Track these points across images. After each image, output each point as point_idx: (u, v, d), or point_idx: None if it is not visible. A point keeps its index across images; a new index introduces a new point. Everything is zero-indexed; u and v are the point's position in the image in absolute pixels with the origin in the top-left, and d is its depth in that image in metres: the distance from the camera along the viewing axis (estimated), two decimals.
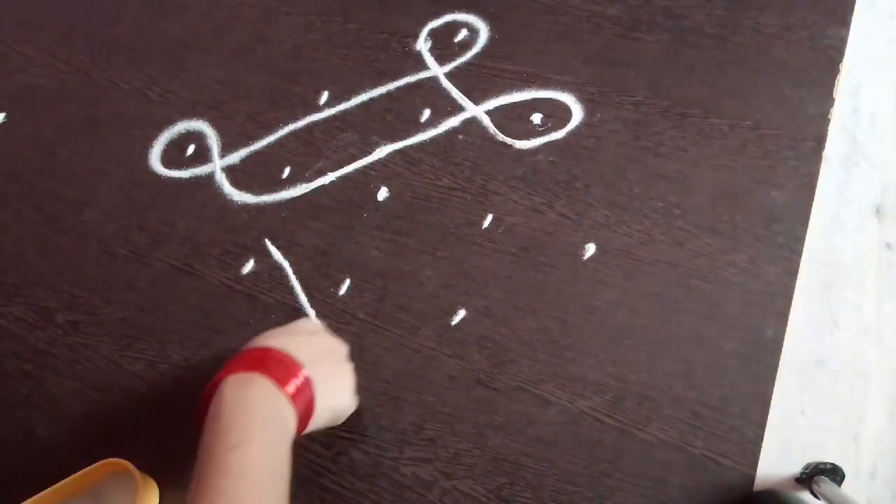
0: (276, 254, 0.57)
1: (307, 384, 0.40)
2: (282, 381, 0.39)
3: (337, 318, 0.54)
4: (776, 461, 0.47)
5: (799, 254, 0.52)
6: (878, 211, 0.54)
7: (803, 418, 0.48)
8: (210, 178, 0.61)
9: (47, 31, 0.71)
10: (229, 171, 0.61)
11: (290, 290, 0.56)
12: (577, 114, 0.59)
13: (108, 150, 0.64)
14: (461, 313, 0.53)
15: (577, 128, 0.58)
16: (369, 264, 0.56)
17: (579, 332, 0.51)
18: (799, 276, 0.51)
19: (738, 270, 0.52)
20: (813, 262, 0.52)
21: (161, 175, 0.62)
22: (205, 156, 0.62)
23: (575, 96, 0.59)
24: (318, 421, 0.42)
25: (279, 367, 0.40)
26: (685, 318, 0.51)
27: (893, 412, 0.49)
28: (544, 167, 0.57)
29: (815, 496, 0.45)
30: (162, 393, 0.54)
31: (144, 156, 0.63)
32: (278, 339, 0.42)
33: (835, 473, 0.45)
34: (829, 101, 0.56)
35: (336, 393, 0.44)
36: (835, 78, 0.57)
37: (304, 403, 0.40)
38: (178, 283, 0.57)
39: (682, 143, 0.56)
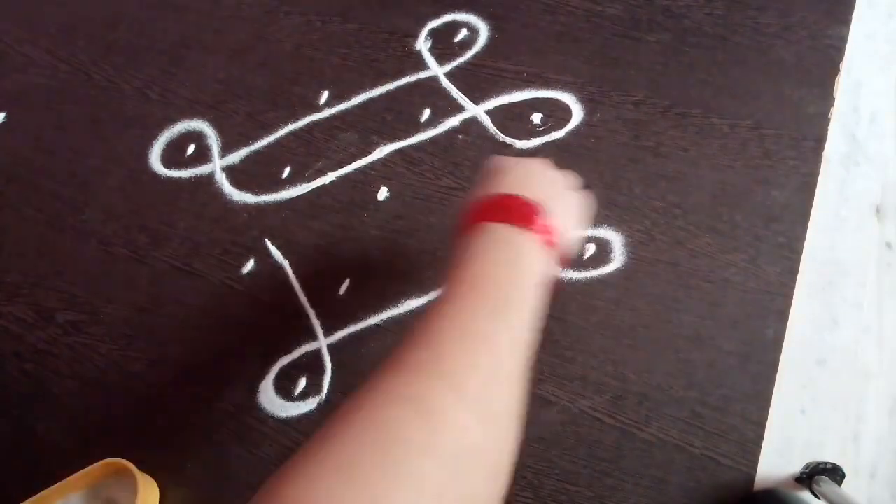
0: (276, 254, 0.57)
1: (556, 233, 0.36)
2: (546, 240, 0.35)
3: (337, 318, 0.54)
4: (776, 461, 0.47)
5: (799, 253, 0.52)
6: (878, 210, 0.54)
7: (803, 418, 0.48)
8: (210, 177, 0.61)
9: (47, 31, 0.71)
10: (229, 170, 0.61)
11: (290, 289, 0.56)
12: (577, 113, 0.58)
13: (108, 149, 0.64)
14: None
15: (578, 127, 0.58)
16: (369, 264, 0.56)
17: (579, 332, 0.51)
18: (799, 275, 0.51)
19: (739, 270, 0.52)
20: (813, 261, 0.52)
21: (161, 175, 0.62)
22: (205, 155, 0.62)
23: (575, 96, 0.59)
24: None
25: (541, 223, 0.35)
26: (685, 317, 0.51)
27: (894, 411, 0.49)
28: None
29: (816, 496, 0.45)
30: (162, 393, 0.54)
31: (144, 155, 0.63)
32: (539, 189, 0.37)
33: (835, 473, 0.45)
34: (829, 100, 0.56)
35: (570, 225, 0.39)
36: (835, 77, 0.57)
37: (560, 253, 0.37)
38: (178, 283, 0.57)
39: (683, 142, 0.56)
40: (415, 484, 0.24)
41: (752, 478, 0.47)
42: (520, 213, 0.35)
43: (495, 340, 0.30)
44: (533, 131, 0.58)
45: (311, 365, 0.53)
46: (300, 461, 0.24)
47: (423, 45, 0.64)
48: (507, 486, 0.28)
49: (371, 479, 0.23)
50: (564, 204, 0.38)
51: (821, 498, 0.45)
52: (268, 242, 0.58)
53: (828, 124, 0.55)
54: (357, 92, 0.62)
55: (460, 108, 0.60)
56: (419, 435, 0.25)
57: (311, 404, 0.52)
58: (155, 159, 0.63)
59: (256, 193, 0.60)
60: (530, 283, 0.33)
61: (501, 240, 0.34)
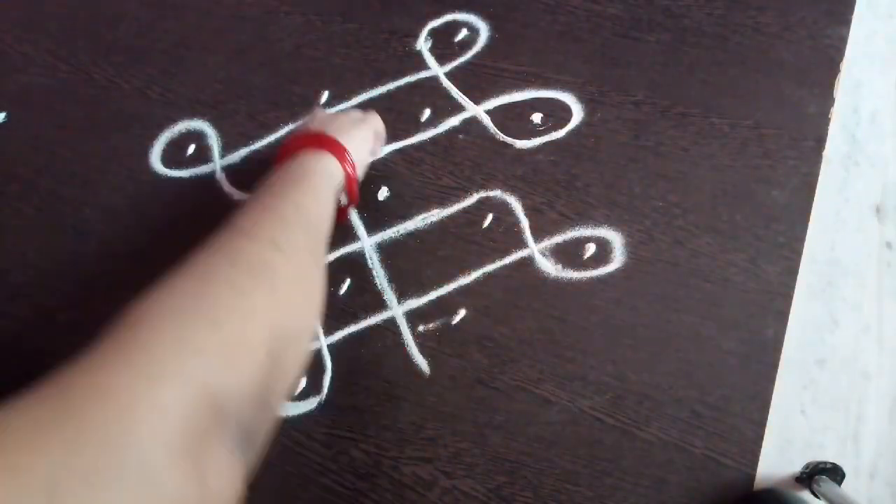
0: None
1: (341, 147, 0.48)
2: (330, 150, 0.47)
3: (337, 318, 0.54)
4: (776, 460, 0.47)
5: (799, 253, 0.52)
6: (878, 210, 0.54)
7: (803, 418, 0.48)
8: (210, 177, 0.61)
9: (47, 31, 0.71)
10: (230, 170, 0.61)
11: None
12: (578, 113, 0.59)
13: (109, 149, 0.64)
14: (461, 313, 0.53)
15: (578, 127, 0.58)
16: (369, 264, 0.56)
17: (579, 332, 0.51)
18: (799, 275, 0.51)
19: (739, 270, 0.52)
20: (813, 261, 0.52)
21: (161, 174, 0.62)
22: (205, 155, 0.62)
23: (575, 96, 0.59)
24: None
25: (323, 142, 0.47)
26: (685, 317, 0.51)
27: (894, 411, 0.49)
28: (544, 167, 0.57)
29: (816, 496, 0.45)
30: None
31: (145, 155, 0.63)
32: (313, 126, 0.50)
33: (835, 473, 0.46)
34: (829, 100, 0.56)
35: (358, 147, 0.51)
36: (835, 77, 0.57)
37: (352, 170, 0.49)
38: None
39: (683, 142, 0.56)
40: (226, 287, 0.32)
41: (752, 478, 0.47)
42: (312, 140, 0.47)
43: (280, 209, 0.40)
44: (533, 131, 0.58)
45: (312, 364, 0.53)
46: (142, 295, 0.31)
47: (423, 44, 0.64)
48: (317, 306, 0.38)
49: (192, 288, 0.32)
50: (354, 132, 0.50)
51: (821, 498, 0.45)
52: None
53: (828, 124, 0.55)
54: (357, 92, 0.63)
55: (460, 108, 0.60)
56: (223, 264, 0.34)
57: (311, 404, 0.52)
58: (155, 159, 0.63)
59: None
60: (311, 176, 0.44)
61: (299, 157, 0.46)
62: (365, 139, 0.52)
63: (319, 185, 0.44)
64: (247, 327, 0.30)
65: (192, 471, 0.24)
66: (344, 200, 0.52)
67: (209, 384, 0.26)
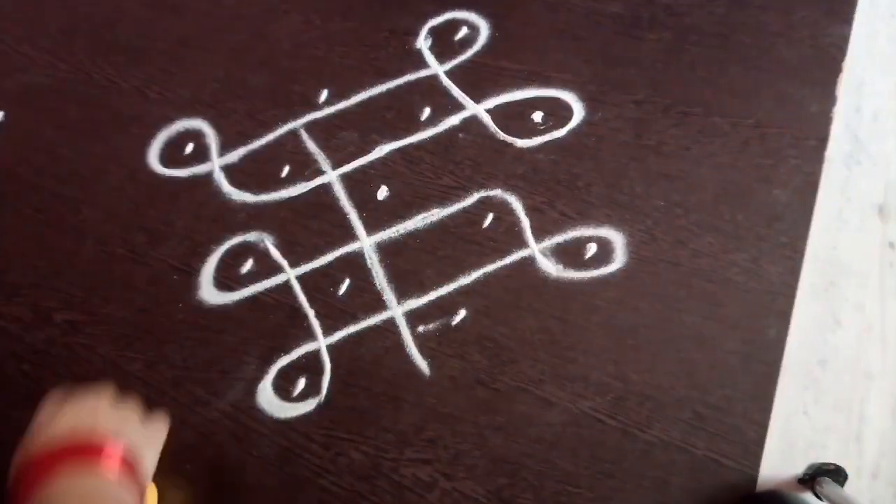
0: (276, 253, 0.57)
1: (132, 459, 0.36)
2: (124, 467, 0.35)
3: (336, 319, 0.54)
4: (779, 462, 0.47)
5: (801, 253, 0.51)
6: (880, 210, 0.53)
7: (806, 418, 0.48)
8: (209, 176, 0.61)
9: (47, 31, 0.71)
10: (228, 169, 0.61)
11: (290, 289, 0.55)
12: (579, 112, 0.58)
13: (108, 149, 0.64)
14: (462, 313, 0.53)
15: (579, 126, 0.58)
16: (369, 264, 0.55)
17: (580, 332, 0.51)
18: (801, 275, 0.51)
19: (741, 270, 0.51)
20: (815, 261, 0.51)
21: (160, 174, 0.62)
22: (203, 154, 0.62)
23: (576, 94, 0.59)
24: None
25: (113, 451, 0.35)
26: (687, 317, 0.50)
27: None
28: (545, 166, 0.57)
29: (818, 497, 0.45)
30: (160, 393, 0.53)
31: (143, 155, 0.63)
32: (78, 419, 0.37)
33: (838, 475, 0.45)
34: (831, 99, 0.56)
35: (150, 454, 0.40)
36: (837, 76, 0.56)
37: (139, 477, 0.37)
38: (176, 283, 0.57)
39: (684, 141, 0.56)
40: None
41: (754, 479, 0.46)
42: (88, 448, 0.35)
43: None
44: (534, 130, 0.58)
45: (311, 365, 0.53)
46: None
47: (423, 43, 0.63)
48: None
49: None
50: (131, 428, 0.38)
51: (823, 499, 0.44)
52: (267, 242, 0.57)
53: (830, 123, 0.55)
54: (357, 90, 0.62)
55: (461, 107, 0.60)
56: None
57: (310, 405, 0.52)
58: (154, 158, 0.62)
59: (255, 193, 0.59)
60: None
61: (76, 488, 0.33)
62: (147, 435, 0.40)
63: None
64: None
65: None
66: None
67: None
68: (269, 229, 0.58)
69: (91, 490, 0.33)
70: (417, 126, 0.60)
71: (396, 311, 0.54)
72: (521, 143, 0.58)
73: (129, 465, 0.35)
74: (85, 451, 0.35)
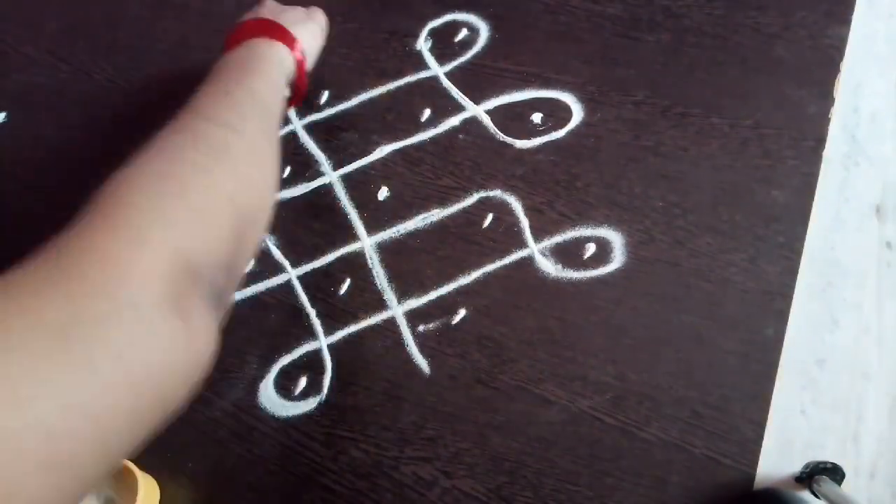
0: (277, 253, 0.57)
1: (293, 39, 0.51)
2: (283, 40, 0.49)
3: (337, 318, 0.54)
4: (776, 460, 0.47)
5: (799, 253, 0.52)
6: (878, 210, 0.54)
7: (803, 418, 0.48)
8: None
9: (47, 31, 0.71)
10: None
11: (291, 289, 0.56)
12: (578, 113, 0.59)
13: (108, 149, 0.64)
14: (461, 312, 0.53)
15: (578, 127, 0.58)
16: (369, 264, 0.56)
17: (579, 332, 0.51)
18: (799, 275, 0.51)
19: (739, 270, 0.52)
20: (813, 261, 0.52)
21: None
22: None
23: (575, 96, 0.59)
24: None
25: (277, 31, 0.50)
26: (685, 317, 0.51)
27: (894, 411, 0.49)
28: (545, 167, 0.57)
29: (816, 495, 0.45)
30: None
31: None
32: (264, 14, 0.52)
33: (835, 473, 0.46)
34: (829, 100, 0.56)
35: (310, 43, 0.54)
36: (835, 77, 0.57)
37: (300, 61, 0.51)
38: None
39: (683, 142, 0.56)
40: (189, 165, 0.35)
41: (752, 477, 0.47)
42: (265, 28, 0.49)
43: (235, 94, 0.42)
44: (533, 131, 0.58)
45: (312, 364, 0.53)
46: (112, 177, 0.33)
47: (423, 44, 0.64)
48: (272, 182, 0.41)
49: (157, 167, 0.34)
50: (304, 24, 0.53)
51: (821, 498, 0.45)
52: (268, 242, 0.58)
53: (828, 124, 0.55)
54: (357, 92, 0.62)
55: (461, 108, 0.60)
56: (183, 145, 0.37)
57: (311, 404, 0.52)
58: None
59: None
60: (265, 63, 0.47)
61: (249, 45, 0.48)
62: (314, 33, 0.54)
63: (272, 71, 0.47)
64: (210, 200, 0.34)
65: (179, 320, 0.28)
66: (288, 93, 0.52)
67: (183, 250, 0.30)
68: (270, 229, 0.58)
69: (270, 55, 0.48)
70: (418, 127, 0.60)
71: (397, 310, 0.54)
72: (521, 143, 0.58)
73: (292, 43, 0.50)
74: (275, 30, 0.49)
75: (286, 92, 0.49)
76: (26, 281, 0.26)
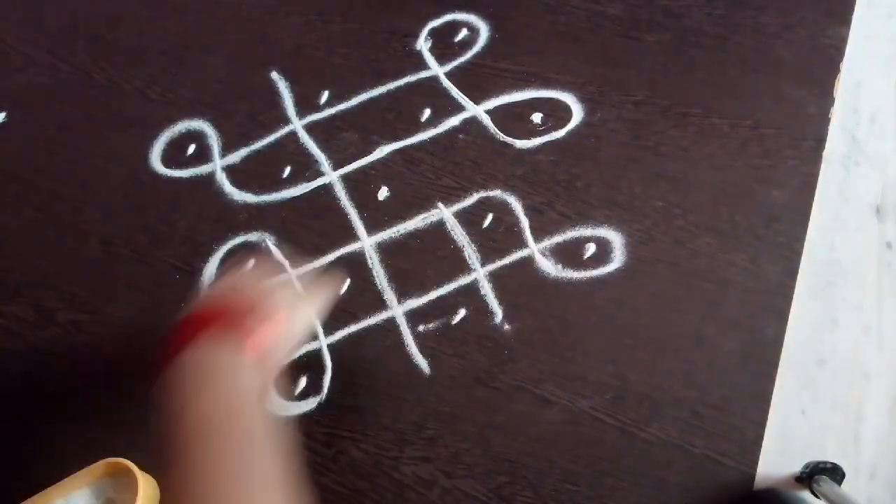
0: (277, 253, 0.57)
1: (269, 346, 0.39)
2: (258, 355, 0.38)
3: (337, 318, 0.54)
4: (776, 460, 0.47)
5: (799, 253, 0.52)
6: (878, 210, 0.54)
7: (803, 418, 0.48)
8: (210, 177, 0.61)
9: (47, 30, 0.71)
10: (230, 170, 0.61)
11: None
12: (578, 113, 0.59)
13: (109, 149, 0.64)
14: (461, 312, 0.53)
15: (578, 127, 0.58)
16: (369, 264, 0.56)
17: (579, 332, 0.51)
18: (799, 275, 0.51)
19: (739, 270, 0.52)
20: (813, 261, 0.52)
21: (161, 174, 0.62)
22: (205, 155, 0.62)
23: (575, 96, 0.59)
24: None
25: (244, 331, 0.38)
26: (685, 317, 0.51)
27: (894, 411, 0.49)
28: (545, 167, 0.57)
29: (816, 495, 0.45)
30: (163, 392, 0.54)
31: (145, 155, 0.63)
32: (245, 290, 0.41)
33: (835, 473, 0.46)
34: (829, 100, 0.56)
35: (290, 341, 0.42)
36: (835, 77, 0.57)
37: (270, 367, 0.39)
38: (178, 283, 0.57)
39: (683, 142, 0.56)
40: None
41: (752, 477, 0.47)
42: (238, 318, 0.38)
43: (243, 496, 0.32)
44: (533, 131, 0.58)
45: (312, 364, 0.53)
46: None
47: (423, 44, 0.64)
48: None
49: None
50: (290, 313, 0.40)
51: (821, 498, 0.45)
52: (268, 242, 0.58)
53: (828, 124, 0.55)
54: (357, 92, 0.62)
55: (460, 108, 0.60)
56: None
57: (311, 404, 0.52)
58: (155, 159, 0.63)
59: (257, 193, 0.60)
60: (253, 428, 0.35)
61: (215, 356, 0.37)
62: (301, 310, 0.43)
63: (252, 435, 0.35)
64: None
65: None
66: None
67: None
68: (270, 229, 0.58)
69: (226, 364, 0.36)
70: (418, 127, 0.60)
71: (397, 310, 0.54)
72: (521, 143, 0.58)
73: (266, 354, 0.38)
74: (234, 321, 0.38)
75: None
76: None
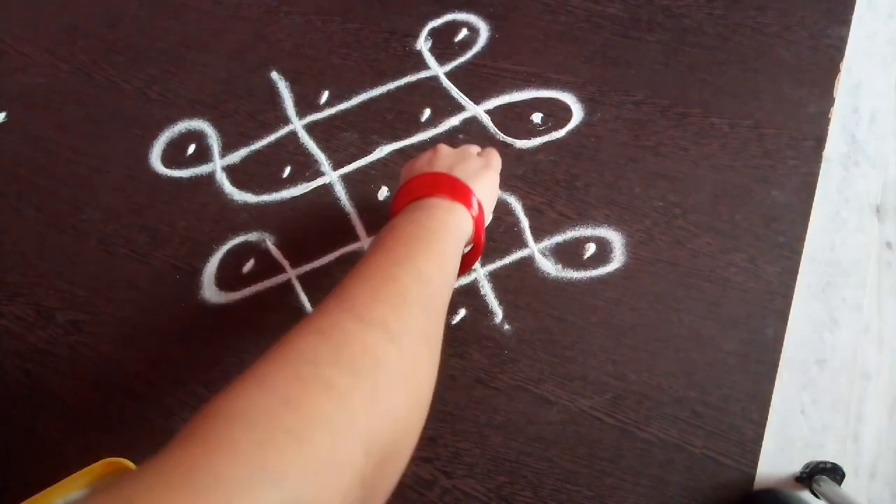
0: (277, 253, 0.57)
1: (473, 197, 0.43)
2: (464, 201, 0.42)
3: None
4: (776, 460, 0.47)
5: (799, 253, 0.52)
6: (878, 210, 0.54)
7: (803, 417, 0.48)
8: (210, 177, 0.61)
9: (47, 30, 0.71)
10: (230, 170, 0.61)
11: (291, 289, 0.56)
12: (578, 113, 0.59)
13: (109, 149, 0.64)
14: (462, 312, 0.53)
15: (578, 127, 0.58)
16: None
17: (579, 332, 0.51)
18: (799, 275, 0.51)
19: (739, 269, 0.52)
20: (813, 261, 0.52)
21: (161, 174, 0.62)
22: (205, 155, 0.62)
23: (575, 96, 0.59)
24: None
25: (457, 190, 0.43)
26: (685, 317, 0.51)
27: (893, 411, 0.49)
28: (545, 166, 0.57)
29: (816, 495, 0.45)
30: (162, 392, 0.54)
31: (145, 155, 0.63)
32: (441, 165, 0.45)
33: (835, 473, 0.46)
34: (829, 100, 0.56)
35: (488, 197, 0.46)
36: (835, 77, 0.57)
37: (479, 219, 0.43)
38: (178, 283, 0.57)
39: (683, 142, 0.56)
40: (320, 388, 0.27)
41: (752, 477, 0.47)
42: (443, 187, 0.42)
43: (400, 279, 0.34)
44: (533, 131, 0.58)
45: None
46: (234, 383, 0.27)
47: (423, 44, 0.64)
48: (426, 405, 0.33)
49: (282, 387, 0.27)
50: (483, 176, 0.45)
51: (821, 497, 0.45)
52: (268, 242, 0.58)
53: (828, 124, 0.55)
54: (357, 92, 0.63)
55: (461, 108, 0.60)
56: (324, 354, 0.29)
57: None
58: (155, 159, 0.63)
59: (257, 193, 0.60)
60: (442, 235, 0.39)
61: (424, 207, 0.41)
62: (492, 184, 0.47)
63: (448, 246, 0.39)
64: (337, 443, 0.27)
65: None
66: (466, 248, 0.45)
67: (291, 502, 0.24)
68: (270, 229, 0.58)
69: (446, 222, 0.40)
70: (418, 127, 0.60)
71: None
72: (521, 143, 0.58)
73: (469, 202, 0.42)
74: (453, 189, 0.42)
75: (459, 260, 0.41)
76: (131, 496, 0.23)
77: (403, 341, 0.32)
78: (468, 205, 0.42)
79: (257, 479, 0.24)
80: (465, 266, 0.46)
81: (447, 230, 0.40)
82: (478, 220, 0.43)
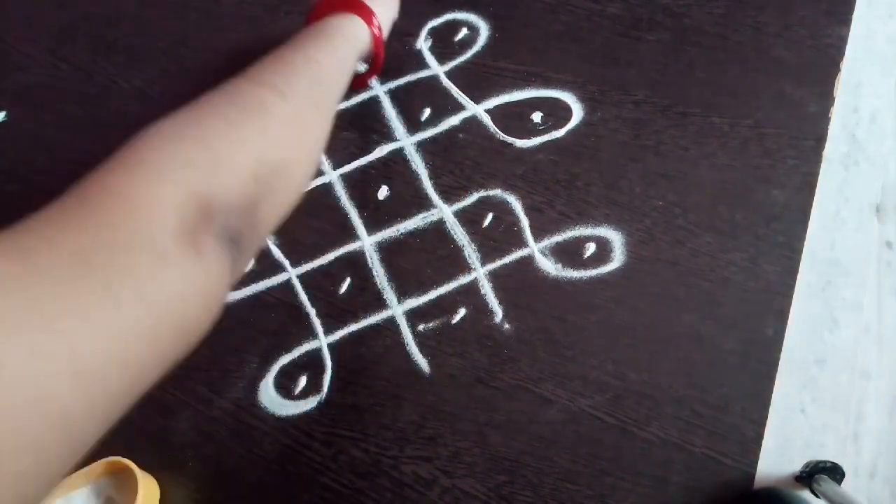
0: (277, 253, 0.57)
1: (374, 17, 0.51)
2: (360, 14, 0.50)
3: (337, 318, 0.54)
4: (776, 460, 0.47)
5: (799, 252, 0.52)
6: (878, 210, 0.54)
7: (803, 417, 0.48)
8: None
9: (47, 30, 0.71)
10: None
11: (291, 288, 0.56)
12: (578, 112, 0.59)
13: (109, 149, 0.64)
14: (461, 312, 0.53)
15: (578, 126, 0.58)
16: (369, 263, 0.56)
17: (579, 331, 0.51)
18: (799, 274, 0.51)
19: (738, 269, 0.52)
20: (813, 260, 0.52)
21: None
22: None
23: (575, 95, 0.59)
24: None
25: (354, 5, 0.50)
26: (685, 316, 0.51)
27: (893, 411, 0.49)
28: (545, 166, 0.57)
29: (816, 495, 0.45)
30: (162, 392, 0.54)
31: None
32: None
33: (835, 472, 0.46)
34: (829, 99, 0.56)
35: (386, 14, 0.54)
36: (835, 77, 0.57)
37: (378, 36, 0.51)
38: None
39: (683, 141, 0.56)
40: (218, 119, 0.35)
41: (751, 477, 0.47)
42: (342, 2, 0.50)
43: (288, 57, 0.42)
44: (533, 130, 0.58)
45: (312, 364, 0.53)
46: (161, 119, 0.34)
47: (423, 44, 0.64)
48: (314, 150, 0.41)
49: (183, 124, 0.34)
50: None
51: (821, 497, 0.45)
52: (268, 241, 0.58)
53: (828, 124, 0.55)
54: (357, 91, 0.62)
55: (460, 107, 0.60)
56: (221, 102, 0.37)
57: (311, 403, 0.52)
58: None
59: None
60: (334, 33, 0.47)
61: (328, 19, 0.48)
62: (390, 4, 0.55)
63: (339, 44, 0.46)
64: (234, 151, 0.34)
65: (192, 252, 0.29)
66: (363, 68, 0.55)
67: (198, 190, 0.30)
68: None
69: (343, 28, 0.48)
70: (417, 126, 0.60)
71: (397, 310, 0.54)
72: (521, 143, 0.58)
73: (378, 30, 0.51)
74: (351, 4, 0.50)
75: (359, 67, 0.50)
76: (48, 217, 0.27)
77: (289, 97, 0.38)
78: (365, 17, 0.49)
79: (174, 161, 0.31)
80: (361, 82, 0.58)
81: (342, 34, 0.47)
82: (375, 35, 0.50)
